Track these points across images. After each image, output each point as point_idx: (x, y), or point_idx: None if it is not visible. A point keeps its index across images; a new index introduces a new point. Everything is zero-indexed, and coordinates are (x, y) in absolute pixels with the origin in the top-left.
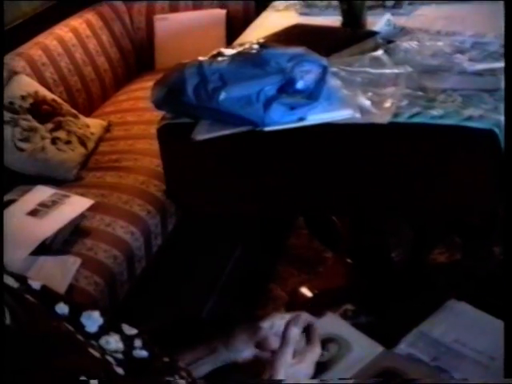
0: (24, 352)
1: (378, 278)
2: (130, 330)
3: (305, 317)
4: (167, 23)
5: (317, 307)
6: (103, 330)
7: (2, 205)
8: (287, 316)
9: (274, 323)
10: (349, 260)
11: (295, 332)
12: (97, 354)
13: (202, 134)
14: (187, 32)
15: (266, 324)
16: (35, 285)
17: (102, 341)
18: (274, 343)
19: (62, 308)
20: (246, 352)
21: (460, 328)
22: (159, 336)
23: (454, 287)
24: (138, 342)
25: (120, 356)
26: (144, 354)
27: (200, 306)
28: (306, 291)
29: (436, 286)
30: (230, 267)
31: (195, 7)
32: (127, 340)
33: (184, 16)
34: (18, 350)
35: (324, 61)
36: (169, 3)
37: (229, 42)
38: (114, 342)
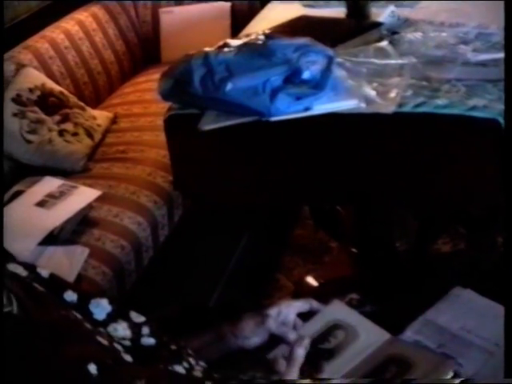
0: (32, 340)
1: (383, 268)
2: (138, 318)
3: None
4: (173, 16)
5: (322, 296)
6: (111, 318)
7: (2, 199)
8: (294, 303)
9: (281, 311)
10: (354, 250)
11: (301, 353)
12: (105, 342)
13: (209, 124)
14: (192, 25)
15: (272, 312)
16: (44, 273)
17: (110, 328)
18: (282, 366)
19: (71, 296)
20: (253, 339)
21: (465, 315)
22: (166, 324)
23: (458, 276)
24: (145, 330)
25: (128, 343)
26: (151, 341)
27: (207, 296)
28: (311, 281)
29: (440, 275)
30: (237, 257)
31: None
32: (135, 327)
33: (189, 9)
34: (25, 338)
35: (329, 51)
36: None
37: (234, 35)
38: (121, 329)
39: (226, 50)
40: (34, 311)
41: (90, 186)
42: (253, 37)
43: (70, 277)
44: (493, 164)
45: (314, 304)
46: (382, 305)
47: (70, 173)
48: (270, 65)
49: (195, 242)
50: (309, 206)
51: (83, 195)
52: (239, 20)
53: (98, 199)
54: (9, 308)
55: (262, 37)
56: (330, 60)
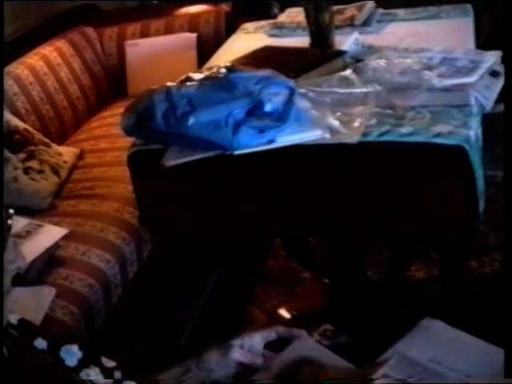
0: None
1: (356, 297)
2: (109, 363)
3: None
4: (138, 48)
5: (296, 329)
6: (83, 364)
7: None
8: (259, 332)
9: (244, 340)
10: (326, 280)
11: None
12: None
13: (172, 159)
14: (159, 57)
15: (236, 342)
16: (13, 319)
17: (83, 374)
18: None
19: (41, 343)
20: (218, 372)
21: (435, 346)
22: (137, 364)
23: (431, 303)
24: (117, 374)
25: None
26: None
27: (178, 332)
28: (284, 313)
29: (414, 302)
30: (208, 291)
31: (166, 31)
32: (107, 372)
33: (155, 41)
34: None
35: (291, 82)
36: (140, 27)
37: (200, 65)
38: (94, 374)
39: (188, 84)
40: (18, 355)
41: (56, 224)
42: (214, 70)
43: (38, 318)
44: (459, 190)
45: (280, 331)
46: (355, 336)
47: (37, 211)
48: (232, 98)
49: (165, 278)
50: (280, 238)
51: (50, 234)
52: (205, 50)
53: (65, 237)
54: None
55: (223, 70)
56: (292, 91)
